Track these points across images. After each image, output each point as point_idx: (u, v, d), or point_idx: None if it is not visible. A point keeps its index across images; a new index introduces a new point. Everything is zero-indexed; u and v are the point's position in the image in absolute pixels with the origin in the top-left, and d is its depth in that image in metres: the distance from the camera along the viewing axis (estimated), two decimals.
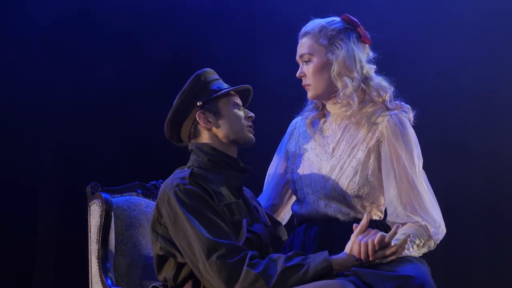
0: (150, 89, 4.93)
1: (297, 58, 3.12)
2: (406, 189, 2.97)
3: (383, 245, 2.71)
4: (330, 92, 3.08)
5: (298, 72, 3.11)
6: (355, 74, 3.03)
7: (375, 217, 3.06)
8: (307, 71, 3.07)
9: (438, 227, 2.96)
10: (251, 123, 3.00)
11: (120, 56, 4.90)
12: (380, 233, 2.71)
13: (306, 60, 3.08)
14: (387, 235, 2.72)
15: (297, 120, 3.27)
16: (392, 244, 2.73)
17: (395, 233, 2.75)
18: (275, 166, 3.26)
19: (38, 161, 4.84)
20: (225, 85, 3.02)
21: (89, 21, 4.88)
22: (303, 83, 3.10)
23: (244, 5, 5.04)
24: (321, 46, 3.06)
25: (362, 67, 3.06)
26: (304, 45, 3.09)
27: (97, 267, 3.10)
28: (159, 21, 4.97)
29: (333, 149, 3.09)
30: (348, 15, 3.09)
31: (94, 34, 4.88)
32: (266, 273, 2.66)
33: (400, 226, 2.89)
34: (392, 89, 3.11)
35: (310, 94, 3.10)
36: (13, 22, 4.79)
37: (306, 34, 3.09)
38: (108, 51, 4.89)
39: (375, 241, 2.69)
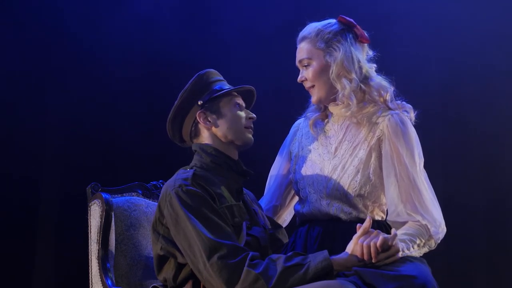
0: (150, 89, 4.92)
1: (297, 63, 3.13)
2: (407, 187, 2.97)
3: (386, 247, 2.71)
4: (331, 94, 3.09)
5: (299, 77, 3.12)
6: (353, 75, 3.04)
7: (377, 217, 3.06)
8: (307, 76, 3.09)
9: (438, 227, 2.97)
10: (251, 124, 3.00)
11: (123, 56, 4.90)
12: (382, 236, 2.71)
13: (306, 64, 3.09)
14: (390, 238, 2.72)
15: (299, 121, 3.28)
16: (392, 233, 2.75)
17: (396, 235, 2.75)
18: (277, 168, 3.26)
19: (38, 161, 4.84)
20: (228, 86, 3.02)
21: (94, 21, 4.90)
22: (306, 87, 3.12)
23: (249, 5, 5.05)
24: (319, 50, 3.07)
25: (361, 67, 3.07)
26: (302, 50, 3.10)
27: (98, 267, 3.09)
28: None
29: (336, 149, 3.09)
30: (343, 16, 3.10)
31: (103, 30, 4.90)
32: (266, 273, 2.66)
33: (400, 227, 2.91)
34: (393, 88, 3.11)
35: (314, 99, 3.12)
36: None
37: (303, 39, 3.10)
38: (110, 49, 4.90)
39: (378, 244, 2.69)
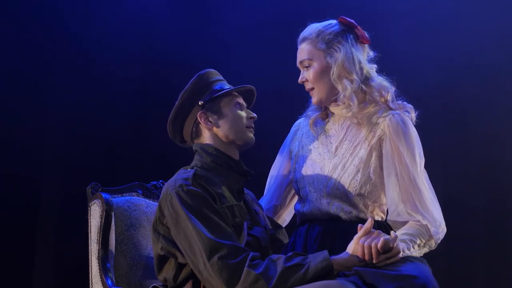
0: (150, 89, 4.92)
1: (298, 64, 3.14)
2: (407, 187, 2.97)
3: (387, 249, 2.71)
4: (332, 94, 3.09)
5: (299, 78, 3.13)
6: (354, 76, 3.04)
7: (377, 218, 3.07)
8: (308, 77, 3.09)
9: (439, 227, 2.97)
10: (252, 124, 3.00)
11: (123, 55, 4.90)
12: (383, 238, 2.70)
13: (306, 65, 3.10)
14: (391, 240, 2.72)
15: (300, 120, 3.29)
16: (393, 235, 2.75)
17: (397, 237, 2.75)
18: (278, 167, 3.26)
19: (38, 161, 4.84)
20: (228, 86, 3.02)
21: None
22: (306, 88, 3.12)
23: (252, 5, 5.05)
24: (320, 51, 3.07)
25: (361, 68, 3.07)
26: (303, 51, 3.10)
27: (98, 267, 3.09)
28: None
29: (336, 148, 3.10)
30: (344, 17, 3.10)
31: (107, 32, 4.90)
32: (267, 273, 2.66)
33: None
34: (394, 88, 3.12)
35: (314, 100, 3.13)
36: None
37: (304, 39, 3.11)
38: (109, 49, 4.90)
39: (379, 246, 2.69)
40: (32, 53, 4.80)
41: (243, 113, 3.00)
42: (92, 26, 4.89)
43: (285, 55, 3.45)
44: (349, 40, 3.08)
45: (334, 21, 3.12)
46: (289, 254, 2.72)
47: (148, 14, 4.96)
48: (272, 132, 3.62)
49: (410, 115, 3.11)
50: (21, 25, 4.80)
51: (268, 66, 4.89)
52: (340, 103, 3.08)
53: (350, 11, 3.38)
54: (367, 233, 2.74)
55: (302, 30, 3.14)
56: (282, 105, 4.59)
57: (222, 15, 5.03)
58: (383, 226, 3.04)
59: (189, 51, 4.93)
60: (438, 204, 3.02)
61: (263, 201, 3.24)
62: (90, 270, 3.14)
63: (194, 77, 2.99)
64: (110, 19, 4.89)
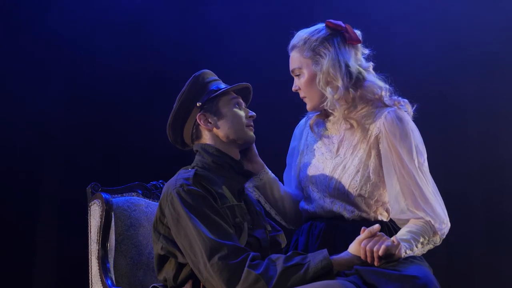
0: (151, 89, 4.92)
1: (291, 72, 3.12)
2: (407, 184, 2.97)
3: (388, 255, 2.70)
4: (324, 101, 3.08)
5: (293, 87, 3.13)
6: (339, 82, 3.02)
7: (381, 217, 3.06)
8: (300, 85, 3.10)
9: (442, 222, 2.96)
10: (251, 122, 3.00)
11: (122, 55, 4.90)
12: (384, 245, 2.69)
13: (297, 74, 3.10)
14: (393, 247, 2.71)
15: (305, 119, 3.28)
16: (395, 242, 2.74)
17: (399, 244, 2.75)
18: (291, 169, 3.26)
19: (38, 161, 4.84)
20: (224, 85, 3.02)
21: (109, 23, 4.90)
22: (300, 95, 3.12)
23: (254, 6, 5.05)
24: (307, 59, 3.07)
25: (349, 71, 3.04)
26: (293, 59, 3.10)
27: (97, 267, 3.09)
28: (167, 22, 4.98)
29: (338, 148, 3.10)
30: (331, 20, 3.06)
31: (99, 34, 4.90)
32: (267, 273, 2.66)
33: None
34: (387, 86, 3.10)
35: (308, 107, 3.13)
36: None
37: (293, 48, 3.11)
38: (108, 48, 4.90)
39: (380, 253, 2.68)
40: (31, 53, 4.80)
41: (241, 112, 2.99)
42: (90, 26, 4.89)
43: (283, 52, 3.45)
44: (335, 44, 3.05)
45: (321, 26, 3.09)
46: (288, 254, 2.73)
47: (146, 15, 4.96)
48: (272, 132, 3.62)
49: (407, 110, 3.09)
50: (20, 25, 4.81)
51: (267, 64, 4.88)
52: (329, 109, 3.08)
53: (345, 4, 3.36)
54: (370, 236, 2.73)
55: (298, 25, 3.13)
56: (282, 104, 4.59)
57: (223, 13, 5.03)
58: (386, 227, 3.04)
59: (189, 50, 4.93)
60: (441, 199, 3.01)
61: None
62: (90, 270, 3.14)
63: (190, 79, 2.98)
64: (107, 18, 4.89)
